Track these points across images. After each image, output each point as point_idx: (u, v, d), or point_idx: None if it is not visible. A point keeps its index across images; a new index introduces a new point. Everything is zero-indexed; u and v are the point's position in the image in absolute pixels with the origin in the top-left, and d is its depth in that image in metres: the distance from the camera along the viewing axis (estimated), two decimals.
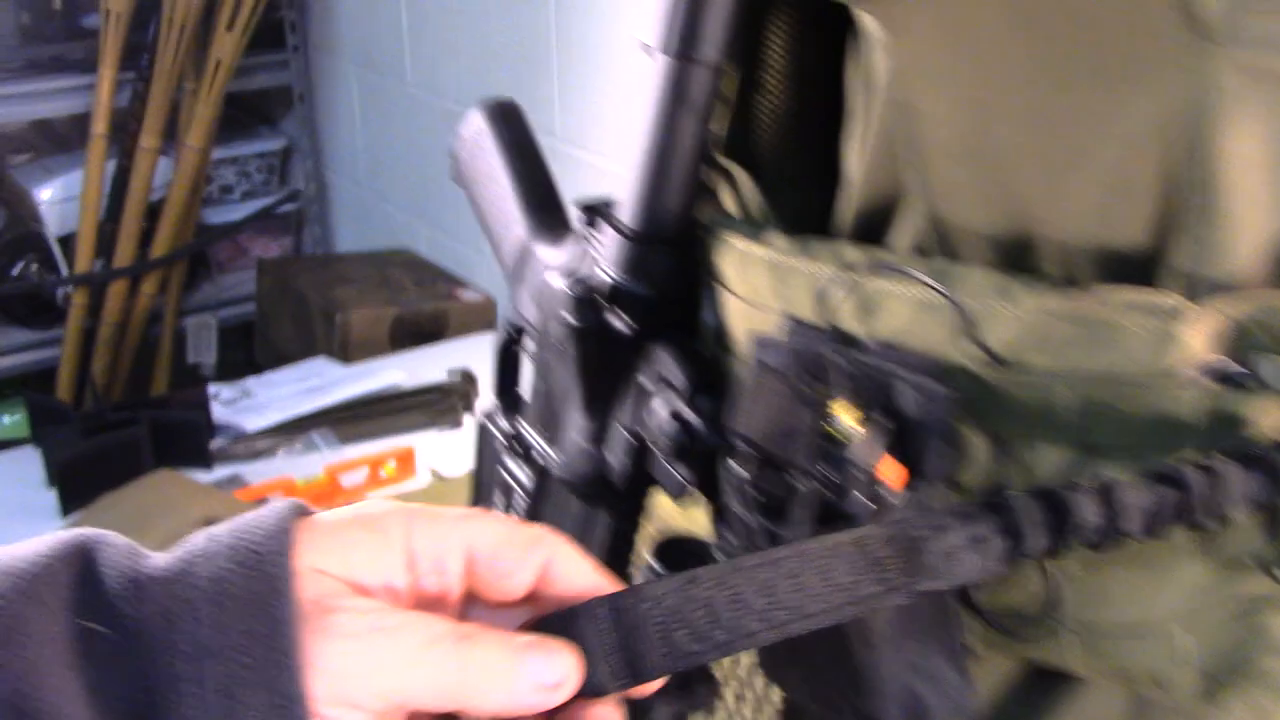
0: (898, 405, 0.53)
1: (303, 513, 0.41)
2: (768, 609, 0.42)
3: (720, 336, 0.63)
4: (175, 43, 2.69)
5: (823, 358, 0.53)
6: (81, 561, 0.38)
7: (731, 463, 0.55)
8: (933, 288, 0.51)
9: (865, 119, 0.60)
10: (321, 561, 0.39)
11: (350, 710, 0.38)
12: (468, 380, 2.00)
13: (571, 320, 0.65)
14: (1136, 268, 0.52)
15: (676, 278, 0.64)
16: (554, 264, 0.70)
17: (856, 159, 0.61)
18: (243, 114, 3.14)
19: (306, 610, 0.38)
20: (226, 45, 2.73)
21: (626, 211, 0.64)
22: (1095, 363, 0.50)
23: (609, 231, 0.65)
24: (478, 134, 0.75)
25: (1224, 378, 0.49)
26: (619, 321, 0.64)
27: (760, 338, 0.58)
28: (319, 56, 3.02)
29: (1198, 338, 0.49)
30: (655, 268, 0.64)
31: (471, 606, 0.43)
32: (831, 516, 0.53)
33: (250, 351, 2.89)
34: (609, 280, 0.64)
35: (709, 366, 0.63)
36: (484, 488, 0.81)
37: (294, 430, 1.88)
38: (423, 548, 0.41)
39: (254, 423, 1.88)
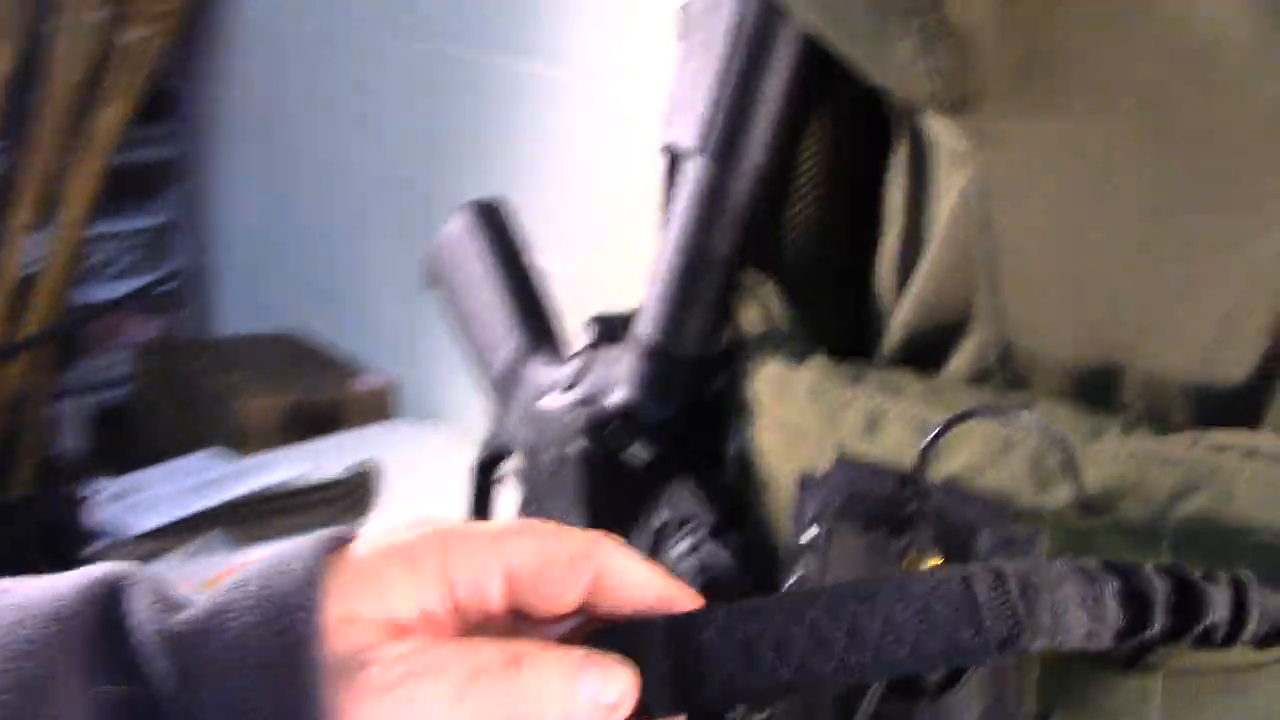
0: (977, 555, 0.48)
1: (339, 543, 0.39)
2: (847, 650, 0.38)
3: (748, 470, 0.57)
4: (56, 111, 2.57)
5: (902, 505, 0.48)
6: (108, 606, 0.36)
7: None
8: (1041, 429, 0.46)
9: (905, 233, 0.56)
10: (355, 605, 0.37)
11: None
12: (371, 474, 1.90)
13: (581, 444, 0.58)
14: (1236, 409, 0.48)
15: (699, 401, 0.59)
16: (551, 383, 0.64)
17: (890, 275, 0.57)
18: (125, 187, 3.01)
19: (337, 668, 0.36)
20: (110, 115, 2.62)
21: (647, 323, 0.58)
22: (1199, 513, 0.46)
23: (625, 347, 0.59)
24: (461, 236, 0.69)
25: None
26: (634, 448, 0.58)
27: (806, 478, 0.53)
28: (210, 129, 2.91)
29: None
30: (677, 388, 0.58)
31: (520, 620, 0.41)
32: (905, 686, 0.47)
33: (127, 441, 2.73)
34: (623, 401, 0.58)
35: (735, 502, 0.58)
36: None
37: (186, 531, 1.75)
38: (461, 575, 0.39)
39: (140, 523, 1.75)
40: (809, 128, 0.58)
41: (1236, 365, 0.47)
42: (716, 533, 0.57)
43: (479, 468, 0.70)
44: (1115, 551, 0.47)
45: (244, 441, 2.19)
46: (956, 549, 0.48)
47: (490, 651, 0.37)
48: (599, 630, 0.40)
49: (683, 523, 0.58)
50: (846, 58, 0.50)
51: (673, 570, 0.57)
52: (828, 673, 0.38)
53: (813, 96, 0.56)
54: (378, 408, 2.33)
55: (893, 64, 0.46)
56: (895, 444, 0.51)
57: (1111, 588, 0.42)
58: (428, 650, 0.37)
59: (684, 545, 0.57)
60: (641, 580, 0.40)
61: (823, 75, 0.56)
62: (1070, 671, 0.50)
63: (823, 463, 0.53)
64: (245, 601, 0.36)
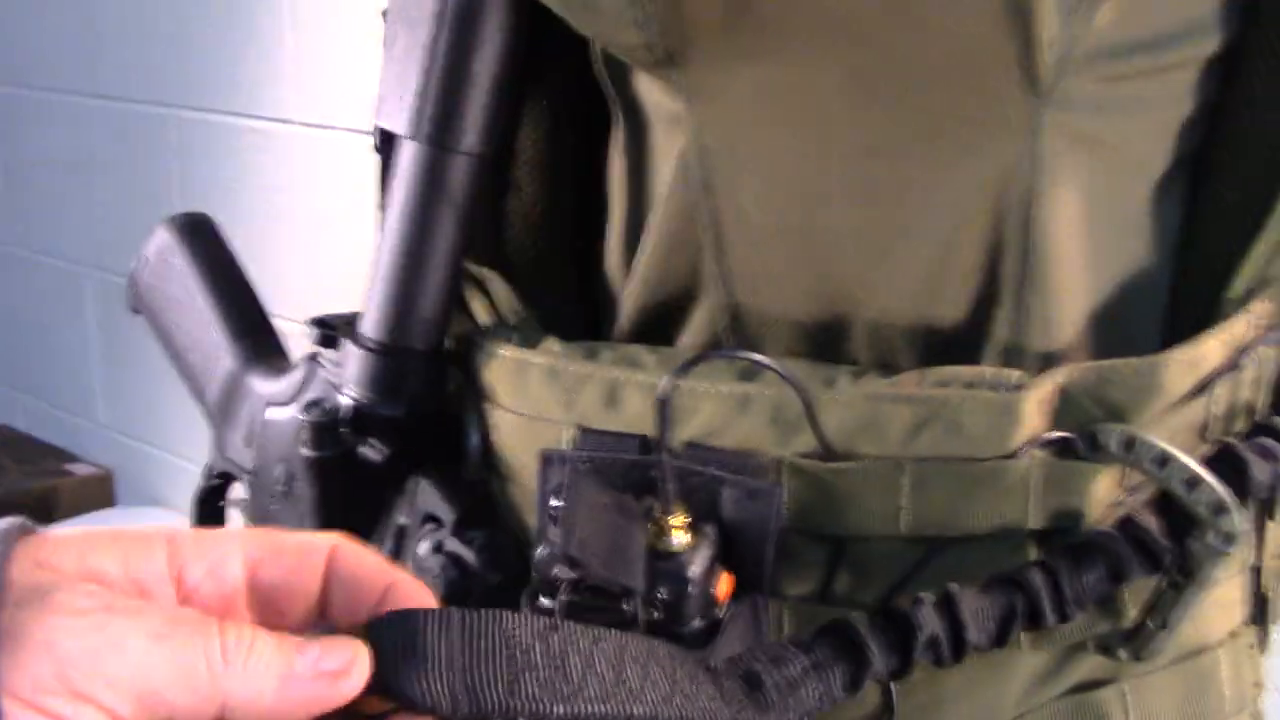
0: (722, 511, 0.48)
1: (30, 530, 0.35)
2: (616, 683, 0.38)
3: (490, 459, 0.56)
4: None
5: (646, 468, 0.47)
6: None
7: (543, 598, 0.47)
8: (777, 373, 0.46)
9: (628, 212, 0.56)
10: (53, 557, 0.33)
11: (79, 704, 0.31)
12: None
13: (308, 452, 0.55)
14: (956, 345, 0.49)
15: (432, 396, 0.56)
16: (275, 395, 0.60)
17: (618, 255, 0.57)
18: None
19: (19, 594, 0.32)
20: None
21: (371, 321, 0.56)
22: (932, 447, 0.47)
23: (349, 347, 0.56)
24: (164, 253, 0.64)
25: (1061, 451, 0.47)
26: (367, 449, 0.55)
27: (547, 453, 0.51)
28: None
29: (1034, 412, 0.47)
30: (407, 384, 0.56)
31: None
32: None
33: None
34: (352, 403, 0.56)
35: (478, 496, 0.56)
36: None
37: None
38: (192, 555, 0.36)
39: None
40: (526, 113, 0.57)
41: (954, 302, 0.49)
42: (460, 529, 0.54)
43: (200, 500, 0.65)
44: (857, 491, 0.47)
45: None
46: (702, 505, 0.48)
47: (198, 612, 0.34)
48: (377, 618, 0.38)
49: (425, 521, 0.55)
50: (558, 10, 0.49)
51: (418, 570, 0.55)
52: (553, 706, 0.37)
53: (526, 78, 0.55)
54: (94, 496, 2.20)
55: (603, 13, 0.46)
56: (635, 414, 0.50)
57: (831, 650, 0.45)
58: (131, 598, 0.34)
59: (427, 544, 0.55)
60: (372, 565, 0.38)
61: (535, 56, 0.56)
62: None
63: (564, 443, 0.52)
64: None
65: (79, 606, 0.32)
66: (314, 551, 0.37)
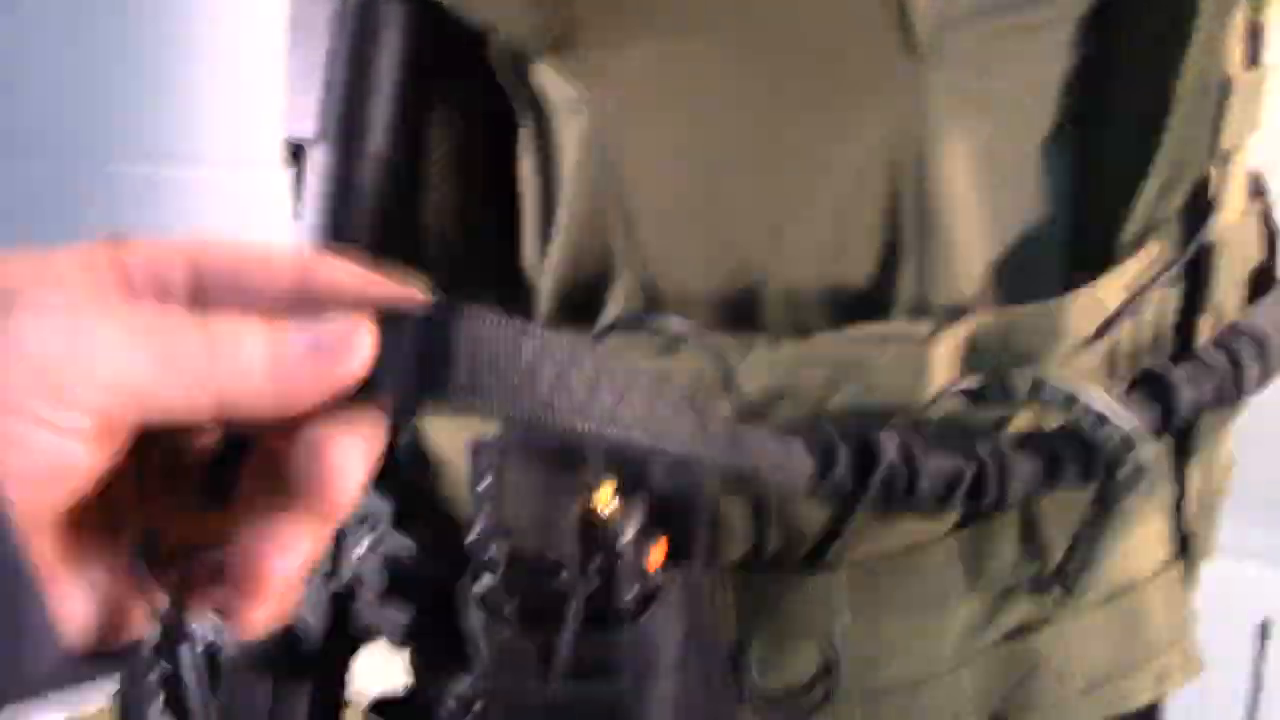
0: (651, 482, 0.49)
1: None
2: (588, 398, 0.34)
3: (419, 454, 0.56)
4: None
5: (573, 445, 0.48)
6: None
7: (481, 579, 0.48)
8: (689, 340, 0.47)
9: (540, 203, 0.57)
10: (5, 268, 0.29)
11: (62, 410, 0.28)
12: None
13: None
14: (864, 304, 0.51)
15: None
16: None
17: (533, 247, 0.57)
18: None
19: None
20: None
21: None
22: (851, 403, 0.48)
23: None
24: None
25: (974, 398, 0.49)
26: None
27: (476, 443, 0.52)
28: None
29: (945, 362, 0.48)
30: None
31: None
32: (601, 617, 0.47)
33: None
34: None
35: (412, 493, 0.56)
36: (133, 701, 0.67)
37: None
38: (137, 265, 0.31)
39: None
40: (435, 113, 0.58)
41: (859, 263, 0.50)
42: (397, 524, 0.55)
43: None
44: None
45: None
46: (630, 478, 0.49)
47: (178, 307, 0.31)
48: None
49: (361, 521, 0.56)
50: (448, 1, 0.50)
51: (358, 568, 0.55)
52: (564, 414, 0.34)
53: (432, 77, 0.56)
54: None
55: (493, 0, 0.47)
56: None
57: (797, 444, 0.44)
58: (110, 297, 0.30)
59: (366, 542, 0.55)
60: (361, 283, 0.33)
61: (440, 55, 0.56)
62: (762, 591, 0.51)
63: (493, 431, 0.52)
64: None
65: (49, 304, 0.28)
66: (282, 263, 0.33)
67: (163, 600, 0.33)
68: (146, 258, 0.32)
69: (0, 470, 0.27)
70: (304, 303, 0.32)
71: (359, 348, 0.31)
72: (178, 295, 0.32)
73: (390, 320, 0.32)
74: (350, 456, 0.31)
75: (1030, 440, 0.48)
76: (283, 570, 0.32)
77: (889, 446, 0.45)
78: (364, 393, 0.31)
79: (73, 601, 0.31)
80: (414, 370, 0.32)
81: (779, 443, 0.43)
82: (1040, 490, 0.48)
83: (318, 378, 0.30)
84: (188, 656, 0.37)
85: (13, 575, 0.27)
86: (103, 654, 0.31)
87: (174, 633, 0.34)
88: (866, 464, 0.45)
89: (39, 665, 0.28)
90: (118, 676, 0.64)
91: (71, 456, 0.28)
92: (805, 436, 0.44)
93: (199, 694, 0.36)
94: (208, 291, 0.32)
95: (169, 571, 0.33)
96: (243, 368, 0.30)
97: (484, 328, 0.33)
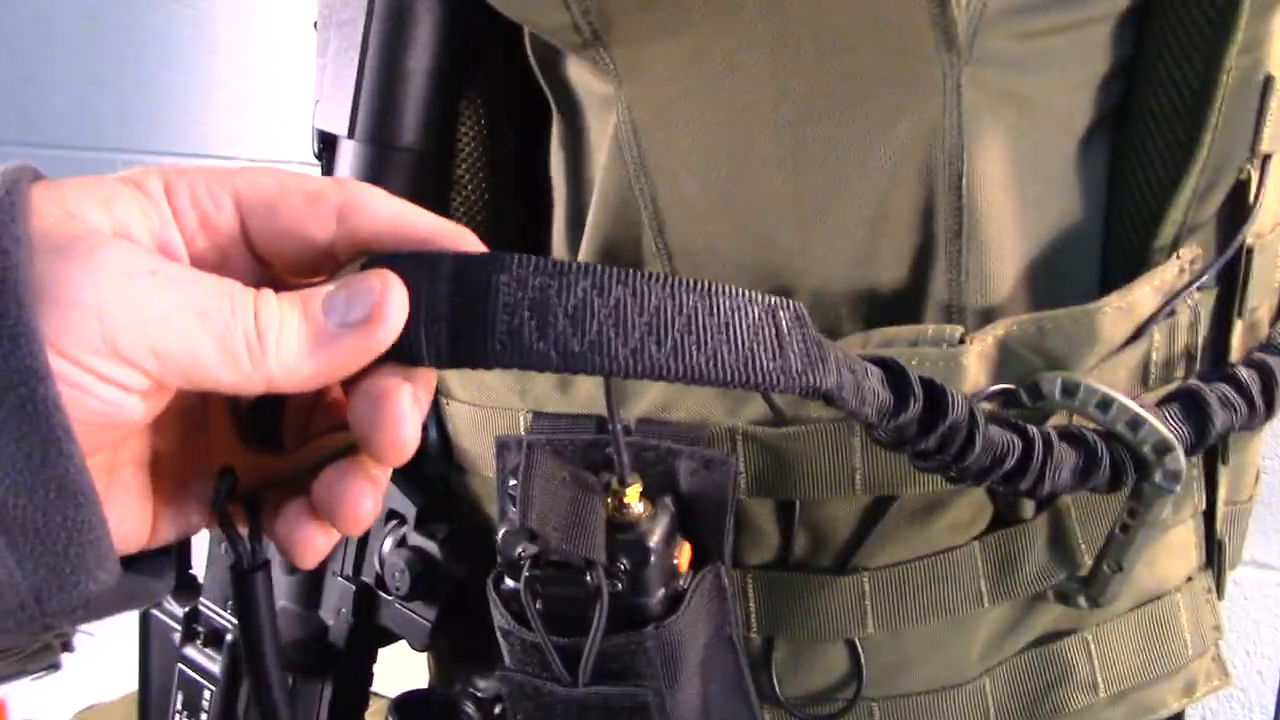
0: (678, 483, 0.48)
1: (38, 175, 0.32)
2: (645, 337, 0.33)
3: (449, 453, 0.56)
4: None
5: (602, 446, 0.47)
6: None
7: (508, 579, 0.47)
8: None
9: (570, 201, 0.56)
10: (78, 208, 0.31)
11: (119, 365, 0.29)
12: None
13: None
14: (896, 306, 0.50)
15: None
16: None
17: (562, 245, 0.57)
18: None
19: (56, 242, 0.29)
20: None
21: None
22: None
23: None
24: None
25: (1005, 402, 0.48)
26: None
27: (503, 439, 0.52)
28: None
29: (977, 366, 0.48)
30: None
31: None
32: (627, 618, 0.46)
33: None
34: None
35: (438, 491, 0.56)
36: (156, 695, 0.68)
37: None
38: (184, 203, 0.33)
39: None
40: (464, 110, 0.58)
41: (891, 264, 0.50)
42: (422, 524, 0.55)
43: None
44: (810, 454, 0.48)
45: None
46: (659, 479, 0.48)
47: (237, 284, 0.32)
48: (373, 259, 0.33)
49: (388, 518, 0.56)
50: None
51: (384, 565, 0.55)
52: (620, 357, 0.33)
53: (463, 74, 0.56)
54: None
55: None
56: (588, 397, 0.51)
57: (876, 374, 0.42)
58: (174, 263, 0.31)
59: (391, 541, 0.55)
60: (403, 216, 0.34)
61: (471, 52, 0.56)
62: (788, 595, 0.51)
63: (520, 430, 0.52)
64: None
65: (126, 267, 0.29)
66: (326, 197, 0.33)
67: (237, 534, 0.35)
68: (195, 188, 0.33)
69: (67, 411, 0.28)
70: (344, 237, 0.33)
71: (391, 316, 0.32)
72: (224, 226, 0.33)
73: (427, 265, 0.32)
74: (402, 403, 0.33)
75: (1069, 435, 0.47)
76: (351, 506, 0.34)
77: (959, 401, 0.44)
78: (402, 353, 0.32)
79: (124, 527, 0.33)
80: (451, 319, 0.32)
81: (860, 367, 0.41)
82: (1075, 486, 0.47)
83: (355, 352, 0.32)
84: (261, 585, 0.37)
85: (75, 502, 0.29)
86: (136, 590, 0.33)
87: (252, 560, 0.36)
88: (936, 413, 0.43)
89: (97, 584, 0.29)
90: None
91: (124, 410, 0.30)
92: (885, 370, 0.42)
93: (266, 616, 0.37)
94: (250, 222, 0.33)
95: (242, 506, 0.35)
96: (288, 363, 0.31)
97: (525, 269, 0.32)
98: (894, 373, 0.42)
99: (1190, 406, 0.50)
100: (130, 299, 0.29)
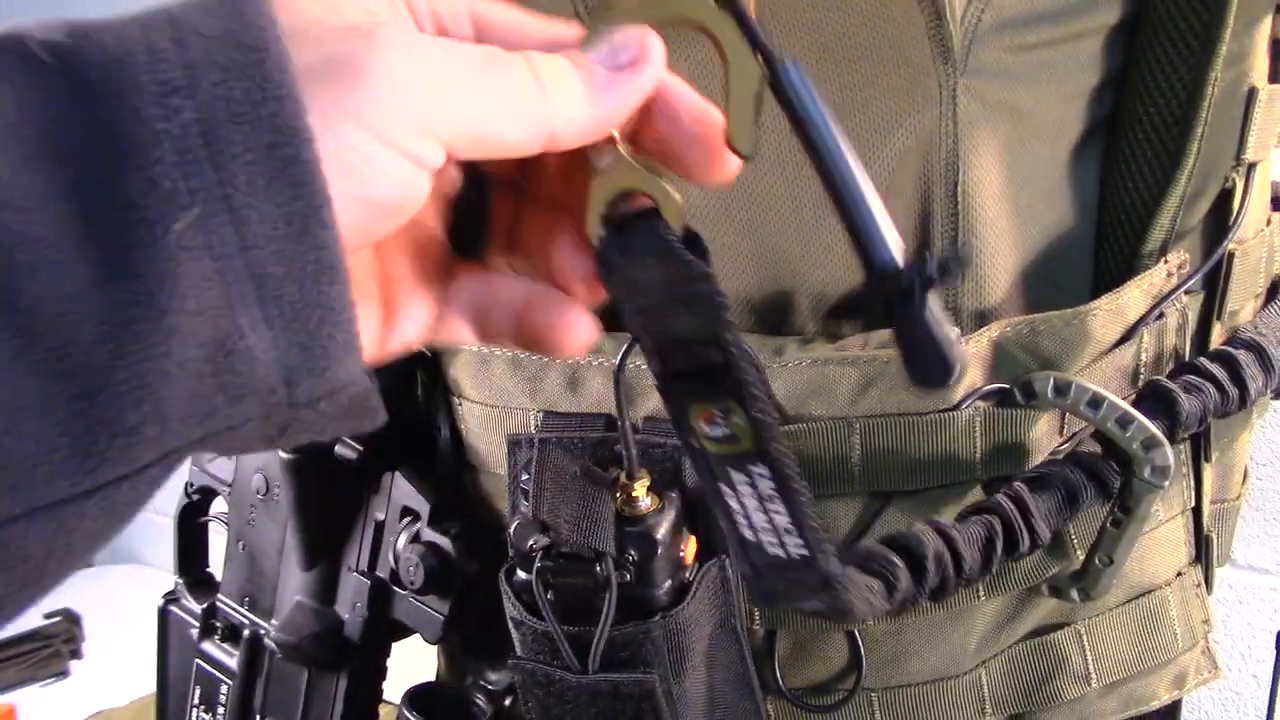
0: (684, 479, 0.50)
1: None
2: None
3: (461, 452, 0.58)
4: None
5: (610, 444, 0.49)
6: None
7: (520, 571, 0.49)
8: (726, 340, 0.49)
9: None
10: (336, 3, 0.29)
11: (422, 140, 0.28)
12: (69, 621, 1.77)
13: (286, 455, 0.57)
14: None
15: (402, 394, 0.59)
16: None
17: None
18: None
19: (338, 30, 0.28)
20: None
21: None
22: (878, 404, 0.49)
23: None
24: None
25: (1000, 401, 0.50)
26: (343, 448, 0.57)
27: (515, 437, 0.53)
28: None
29: (972, 366, 0.49)
30: (377, 383, 0.58)
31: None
32: (635, 609, 0.48)
33: None
34: None
35: (451, 488, 0.58)
36: (174, 691, 0.69)
37: None
38: (422, 9, 0.32)
39: None
40: None
41: None
42: (436, 520, 0.56)
43: (181, 516, 0.67)
44: (811, 450, 0.50)
45: None
46: (665, 476, 0.50)
47: (499, 49, 0.31)
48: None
49: (402, 515, 0.57)
50: None
51: (398, 561, 0.57)
52: None
53: None
54: None
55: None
56: (597, 396, 0.53)
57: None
58: (438, 38, 0.31)
59: (405, 537, 0.57)
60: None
61: None
62: None
63: (531, 428, 0.54)
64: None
65: (408, 41, 0.29)
66: (559, 49, 0.33)
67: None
68: (434, 2, 0.32)
69: (332, 191, 0.27)
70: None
71: (655, 56, 0.33)
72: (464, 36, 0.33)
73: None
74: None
75: (1040, 478, 0.50)
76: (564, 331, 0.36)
77: (928, 540, 0.48)
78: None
79: (364, 335, 0.31)
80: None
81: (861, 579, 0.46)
82: (1070, 517, 0.50)
83: (627, 95, 0.32)
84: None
85: (330, 277, 0.27)
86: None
87: None
88: (919, 562, 0.47)
89: (345, 373, 0.28)
90: None
91: (416, 188, 0.29)
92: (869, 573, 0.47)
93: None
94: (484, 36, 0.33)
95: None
96: (569, 101, 0.31)
97: None
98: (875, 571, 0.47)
99: (1157, 400, 0.52)
100: (418, 71, 0.28)
